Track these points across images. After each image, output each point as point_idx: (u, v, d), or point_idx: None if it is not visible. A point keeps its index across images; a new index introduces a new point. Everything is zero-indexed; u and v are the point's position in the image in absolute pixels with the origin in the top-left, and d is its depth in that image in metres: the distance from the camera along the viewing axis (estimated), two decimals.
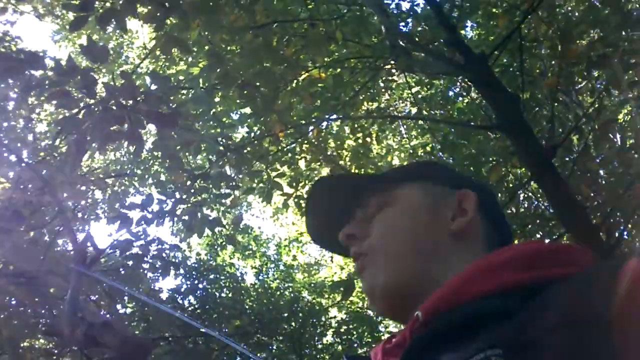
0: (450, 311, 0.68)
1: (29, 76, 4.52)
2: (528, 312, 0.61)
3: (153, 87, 4.74)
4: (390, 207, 0.86)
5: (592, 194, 4.51)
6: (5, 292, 7.89)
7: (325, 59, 5.78)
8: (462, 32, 5.05)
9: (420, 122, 7.28)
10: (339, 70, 5.92)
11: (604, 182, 4.62)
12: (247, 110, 6.16)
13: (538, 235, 4.88)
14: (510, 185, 4.87)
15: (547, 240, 5.04)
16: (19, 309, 9.56)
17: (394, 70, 6.48)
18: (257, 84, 4.78)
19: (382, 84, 7.22)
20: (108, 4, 4.16)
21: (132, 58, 10.02)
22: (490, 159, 4.89)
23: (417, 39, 4.86)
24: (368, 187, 0.92)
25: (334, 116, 6.28)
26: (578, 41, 4.40)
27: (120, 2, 3.94)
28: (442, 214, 0.83)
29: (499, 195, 4.80)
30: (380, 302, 0.82)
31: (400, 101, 8.59)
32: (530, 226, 4.96)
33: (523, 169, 4.80)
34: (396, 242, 0.82)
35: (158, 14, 3.98)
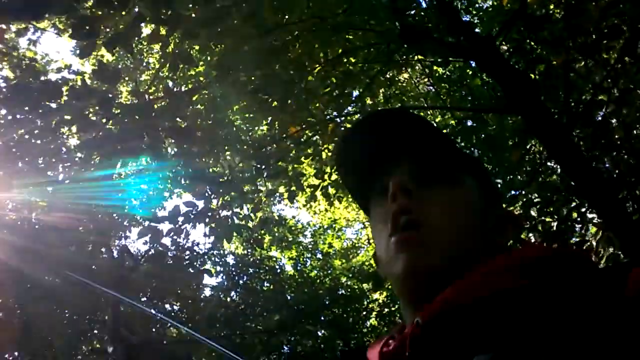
0: (449, 317, 0.66)
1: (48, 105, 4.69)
2: (527, 319, 0.61)
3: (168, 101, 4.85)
4: (452, 190, 0.81)
5: (616, 165, 4.40)
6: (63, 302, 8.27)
7: (337, 50, 5.76)
8: (469, 13, 4.95)
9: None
10: (351, 60, 5.89)
11: (625, 154, 4.50)
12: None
13: (564, 211, 4.80)
14: (529, 166, 4.78)
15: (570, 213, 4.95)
16: (73, 318, 10.00)
17: (407, 55, 6.40)
18: (267, 89, 4.81)
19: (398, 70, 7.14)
20: (114, 28, 4.27)
21: (152, 63, 10.15)
22: (510, 140, 4.81)
23: (422, 25, 4.79)
24: (429, 140, 0.86)
25: (350, 108, 6.26)
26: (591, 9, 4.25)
27: (122, 25, 4.02)
28: (488, 221, 0.81)
29: (521, 175, 4.74)
30: (416, 284, 0.75)
31: (418, 80, 8.48)
32: (555, 200, 4.87)
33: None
34: (458, 230, 0.77)
35: (162, 34, 4.04)
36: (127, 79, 9.10)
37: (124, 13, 3.67)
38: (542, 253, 0.74)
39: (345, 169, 0.93)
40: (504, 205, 0.88)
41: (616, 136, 4.52)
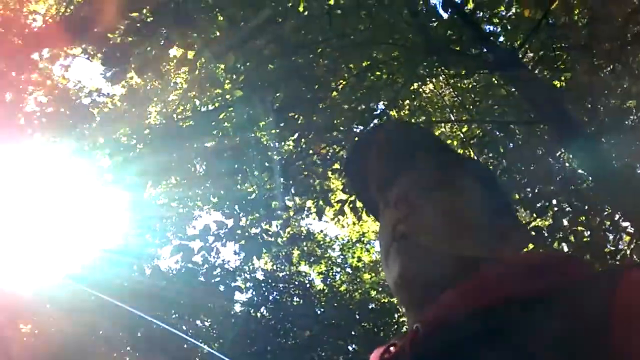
0: (449, 325, 0.67)
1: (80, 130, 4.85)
2: (525, 328, 0.61)
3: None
4: (451, 199, 0.81)
5: None
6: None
7: (359, 65, 5.80)
8: (491, 24, 4.94)
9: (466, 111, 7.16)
10: (376, 74, 5.93)
11: None
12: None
13: (597, 220, 4.72)
14: (559, 175, 4.72)
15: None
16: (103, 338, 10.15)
17: (431, 67, 6.41)
18: (292, 106, 4.88)
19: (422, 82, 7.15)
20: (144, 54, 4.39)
21: (180, 83, 10.34)
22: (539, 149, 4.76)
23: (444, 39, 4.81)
24: (430, 149, 0.88)
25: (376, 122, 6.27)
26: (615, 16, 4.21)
27: (154, 52, 4.14)
28: (490, 228, 0.81)
29: (551, 185, 4.69)
30: (410, 292, 0.76)
31: (443, 92, 8.46)
32: (586, 209, 4.80)
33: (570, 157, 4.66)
34: (455, 240, 0.76)
35: (189, 58, 4.15)
36: (155, 99, 9.29)
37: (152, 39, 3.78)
38: (539, 262, 0.74)
39: (354, 188, 0.98)
40: (518, 213, 0.88)
41: None
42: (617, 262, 4.79)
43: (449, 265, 0.74)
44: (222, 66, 5.63)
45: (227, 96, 6.76)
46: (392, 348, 0.76)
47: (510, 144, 5.47)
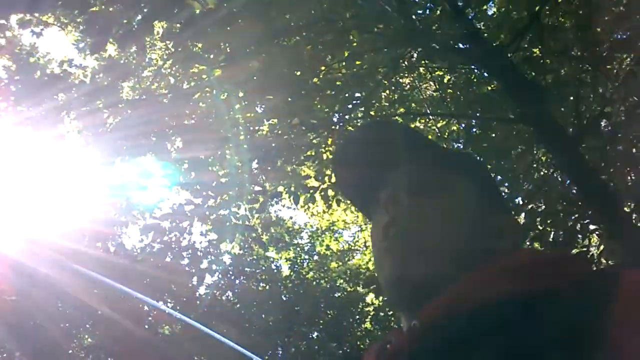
0: (447, 321, 0.67)
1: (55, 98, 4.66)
2: (525, 325, 0.61)
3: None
4: (443, 198, 0.80)
5: (630, 177, 4.40)
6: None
7: (343, 53, 5.74)
8: (478, 21, 4.94)
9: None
10: (358, 63, 5.88)
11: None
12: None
13: (569, 223, 4.80)
14: (535, 175, 4.78)
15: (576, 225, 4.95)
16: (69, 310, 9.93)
17: (414, 59, 6.39)
18: (271, 88, 4.79)
19: (403, 74, 7.14)
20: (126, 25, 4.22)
21: (155, 59, 10.08)
22: (518, 148, 4.80)
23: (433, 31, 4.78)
24: (419, 147, 0.87)
25: (355, 113, 6.24)
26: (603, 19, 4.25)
27: (136, 24, 3.98)
28: (484, 226, 0.80)
29: (528, 185, 4.74)
30: (401, 292, 0.76)
31: (424, 85, 8.46)
32: (559, 210, 4.87)
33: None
34: (448, 239, 0.76)
35: (174, 32, 4.01)
36: (130, 75, 9.05)
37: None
38: (538, 258, 0.75)
39: (343, 185, 0.97)
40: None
41: (623, 148, 4.52)
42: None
43: (442, 265, 0.74)
44: (200, 45, 5.49)
45: (204, 76, 6.62)
46: (388, 345, 0.75)
47: (488, 142, 5.50)
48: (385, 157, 0.87)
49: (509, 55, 4.02)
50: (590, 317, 0.57)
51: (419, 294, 0.72)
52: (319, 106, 6.08)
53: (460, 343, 0.63)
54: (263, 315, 10.24)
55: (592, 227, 5.32)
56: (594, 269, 0.74)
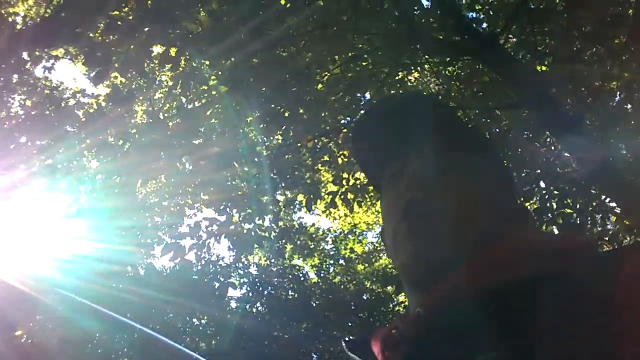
0: (452, 307, 0.67)
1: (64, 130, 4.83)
2: (526, 312, 0.61)
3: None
4: (467, 178, 0.79)
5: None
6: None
7: (343, 56, 5.80)
8: (473, 10, 4.96)
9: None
10: (360, 65, 5.93)
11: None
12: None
13: (583, 202, 4.77)
14: (544, 158, 4.76)
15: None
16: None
17: (415, 55, 6.41)
18: (277, 99, 4.88)
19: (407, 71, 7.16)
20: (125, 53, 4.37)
21: (165, 81, 10.25)
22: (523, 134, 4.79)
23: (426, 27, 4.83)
24: (443, 124, 0.85)
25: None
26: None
27: (136, 50, 4.12)
28: (499, 210, 0.79)
29: (537, 168, 4.73)
30: (420, 273, 0.74)
31: (428, 80, 8.45)
32: (573, 191, 4.84)
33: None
34: (468, 221, 0.75)
35: (172, 55, 4.14)
36: (141, 97, 9.22)
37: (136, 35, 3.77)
38: (549, 242, 0.74)
39: (359, 157, 0.95)
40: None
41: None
42: (606, 243, 4.84)
43: (463, 247, 0.73)
44: (207, 62, 5.62)
45: (213, 92, 6.75)
46: (394, 331, 0.74)
47: (496, 129, 5.50)
48: (408, 130, 0.85)
49: (502, 42, 4.04)
50: (595, 302, 0.58)
51: (439, 277, 0.70)
52: (326, 111, 6.14)
53: (464, 329, 0.64)
54: (294, 324, 10.28)
55: (610, 205, 5.28)
56: (601, 251, 0.72)
